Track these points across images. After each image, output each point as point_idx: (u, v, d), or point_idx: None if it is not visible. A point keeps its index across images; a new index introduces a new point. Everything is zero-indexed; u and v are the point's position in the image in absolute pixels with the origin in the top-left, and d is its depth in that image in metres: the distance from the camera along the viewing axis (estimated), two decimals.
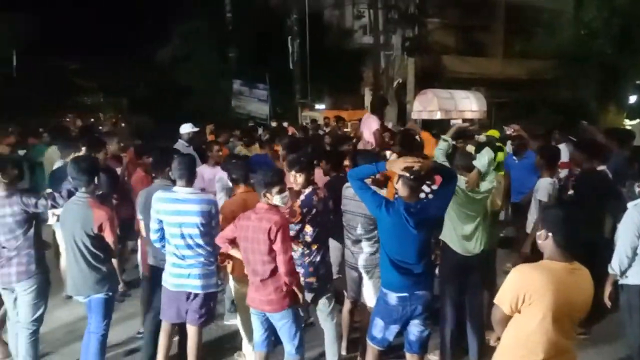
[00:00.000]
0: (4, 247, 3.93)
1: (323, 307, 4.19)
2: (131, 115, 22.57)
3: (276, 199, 3.61)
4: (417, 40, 18.64)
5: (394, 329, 3.57)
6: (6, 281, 3.96)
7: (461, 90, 16.42)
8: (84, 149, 5.27)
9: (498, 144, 7.40)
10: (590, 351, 4.59)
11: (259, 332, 3.79)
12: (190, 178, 3.96)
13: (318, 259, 4.02)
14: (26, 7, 19.54)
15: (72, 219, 3.89)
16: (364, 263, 4.23)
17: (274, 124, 13.33)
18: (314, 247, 4.00)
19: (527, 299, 2.50)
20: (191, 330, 4.03)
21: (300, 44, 17.87)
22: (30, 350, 4.05)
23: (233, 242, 3.73)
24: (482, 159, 4.15)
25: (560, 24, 16.98)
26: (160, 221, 3.94)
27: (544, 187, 4.99)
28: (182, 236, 3.87)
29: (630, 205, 3.97)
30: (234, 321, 4.95)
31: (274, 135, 7.89)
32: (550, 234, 2.57)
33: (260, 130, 10.28)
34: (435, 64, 20.13)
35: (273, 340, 3.88)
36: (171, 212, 3.88)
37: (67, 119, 19.88)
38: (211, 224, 3.90)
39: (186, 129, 7.41)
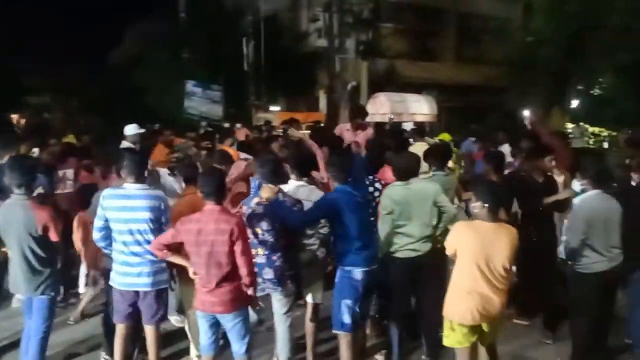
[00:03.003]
0: None
1: (277, 308, 4.14)
2: (81, 115, 21.80)
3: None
4: (371, 45, 18.83)
5: (358, 305, 3.85)
6: None
7: (413, 94, 16.71)
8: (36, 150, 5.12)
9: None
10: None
11: (206, 335, 3.71)
12: (139, 175, 3.89)
13: (270, 260, 3.95)
14: None
15: (15, 221, 3.76)
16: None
17: (226, 124, 13.20)
18: (266, 249, 3.96)
19: (459, 250, 3.47)
20: (149, 330, 3.98)
21: (255, 45, 17.73)
22: None
23: (171, 248, 3.64)
24: None
25: (509, 32, 17.59)
26: (106, 219, 3.83)
27: None
28: (131, 232, 3.79)
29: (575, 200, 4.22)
30: (177, 318, 4.97)
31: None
32: (483, 203, 3.42)
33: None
34: (388, 68, 20.41)
35: (221, 343, 3.85)
36: (119, 208, 3.80)
37: (9, 119, 19.03)
38: (161, 219, 3.85)
39: (131, 130, 7.18)
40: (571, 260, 4.16)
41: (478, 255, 3.39)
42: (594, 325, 4.14)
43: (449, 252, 3.61)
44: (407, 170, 4.23)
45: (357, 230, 3.81)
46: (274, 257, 3.94)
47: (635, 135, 8.47)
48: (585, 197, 4.18)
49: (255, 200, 3.93)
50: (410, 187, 4.18)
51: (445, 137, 9.23)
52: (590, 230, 4.00)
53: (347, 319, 3.84)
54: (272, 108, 19.38)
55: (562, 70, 15.84)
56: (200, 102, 16.11)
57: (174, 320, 5.06)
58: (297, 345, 4.30)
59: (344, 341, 3.90)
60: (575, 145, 8.55)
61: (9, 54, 22.91)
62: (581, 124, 17.91)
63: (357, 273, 3.83)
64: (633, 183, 4.78)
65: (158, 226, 3.81)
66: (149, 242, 3.77)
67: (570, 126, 16.95)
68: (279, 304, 4.11)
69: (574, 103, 18.17)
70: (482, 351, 3.71)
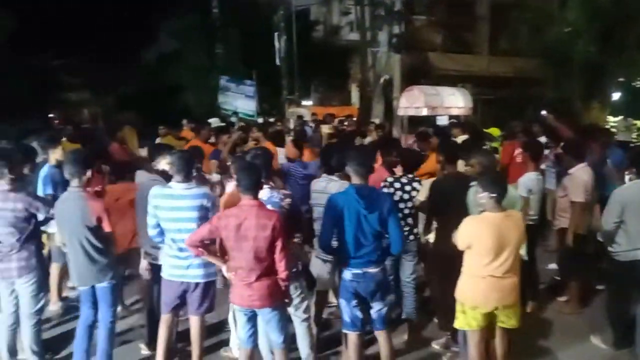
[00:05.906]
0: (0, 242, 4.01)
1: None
2: (117, 112, 22.33)
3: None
4: (404, 37, 18.69)
5: (355, 304, 3.85)
6: (6, 275, 4.06)
7: (447, 87, 16.48)
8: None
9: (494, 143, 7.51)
10: None
11: (244, 329, 3.80)
12: (187, 173, 4.01)
13: None
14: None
15: (69, 212, 3.94)
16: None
17: (260, 120, 13.36)
18: None
19: (472, 241, 3.62)
20: (194, 321, 4.13)
21: (287, 40, 17.84)
22: (35, 338, 4.21)
23: (205, 245, 3.71)
24: None
25: (544, 23, 17.16)
26: (157, 217, 4.00)
27: (525, 181, 5.05)
28: (180, 231, 3.94)
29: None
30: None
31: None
32: (490, 194, 3.58)
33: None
34: (421, 60, 20.22)
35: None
36: (168, 208, 3.95)
37: (51, 116, 19.61)
38: (208, 216, 3.93)
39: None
40: (607, 244, 4.38)
41: (493, 245, 3.57)
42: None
43: (461, 246, 3.73)
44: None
45: (352, 238, 3.76)
46: None
47: None
48: (626, 184, 4.44)
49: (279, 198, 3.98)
50: None
51: (495, 132, 8.98)
52: (625, 216, 4.15)
53: (346, 317, 3.88)
54: (305, 102, 19.47)
55: (599, 63, 15.39)
56: (235, 97, 16.32)
57: None
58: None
59: (348, 339, 3.95)
60: (620, 138, 8.27)
61: (46, 52, 23.55)
62: (629, 118, 17.33)
63: (348, 274, 3.83)
64: None
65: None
66: None
67: (613, 119, 16.47)
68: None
69: (615, 96, 17.62)
70: (499, 341, 3.82)
